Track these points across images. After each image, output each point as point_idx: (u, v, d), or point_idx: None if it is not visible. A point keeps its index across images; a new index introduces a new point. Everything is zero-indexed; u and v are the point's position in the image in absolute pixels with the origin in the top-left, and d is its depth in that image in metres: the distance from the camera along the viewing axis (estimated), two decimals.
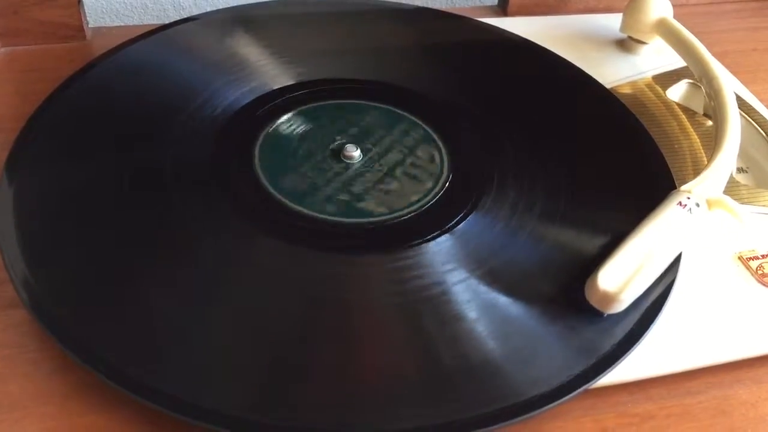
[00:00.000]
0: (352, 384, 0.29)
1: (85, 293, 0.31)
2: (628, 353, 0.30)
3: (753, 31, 0.57)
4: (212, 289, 0.31)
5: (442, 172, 0.38)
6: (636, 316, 0.32)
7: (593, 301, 0.31)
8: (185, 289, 0.31)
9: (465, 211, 0.36)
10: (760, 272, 0.35)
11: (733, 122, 0.39)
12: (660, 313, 0.32)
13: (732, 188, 0.39)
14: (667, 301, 0.32)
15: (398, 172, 0.37)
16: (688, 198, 0.34)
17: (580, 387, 0.29)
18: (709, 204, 0.35)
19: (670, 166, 0.39)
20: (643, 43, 0.50)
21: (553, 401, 0.28)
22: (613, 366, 0.30)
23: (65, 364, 0.29)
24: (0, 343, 0.30)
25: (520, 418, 0.28)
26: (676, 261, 0.34)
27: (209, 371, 0.29)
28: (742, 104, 0.44)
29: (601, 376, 0.30)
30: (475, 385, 0.29)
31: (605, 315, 0.31)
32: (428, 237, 0.34)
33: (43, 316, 0.29)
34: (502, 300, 0.32)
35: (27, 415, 0.28)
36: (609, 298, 0.31)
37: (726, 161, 0.37)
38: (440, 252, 0.33)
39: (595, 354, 0.30)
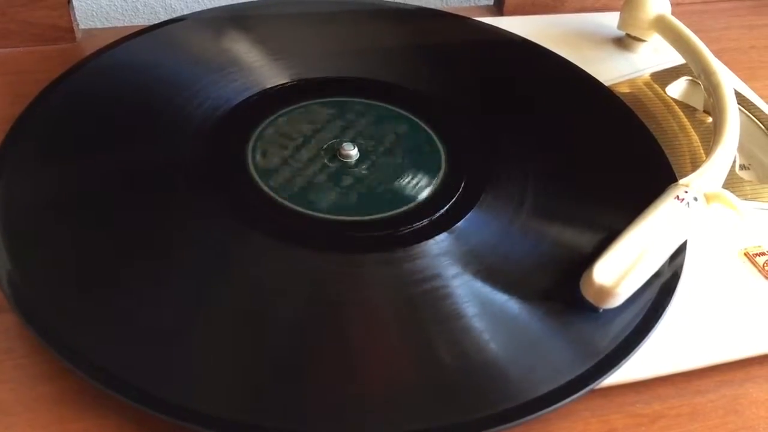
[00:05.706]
0: (352, 385, 0.28)
1: (75, 296, 0.30)
2: (633, 353, 0.30)
3: (750, 29, 0.56)
4: (207, 291, 0.31)
5: (440, 170, 0.37)
6: (641, 314, 0.31)
7: (589, 296, 0.31)
8: (179, 291, 0.30)
9: (464, 209, 0.35)
10: (767, 268, 0.34)
11: (732, 117, 0.39)
12: (665, 312, 0.31)
13: (735, 184, 0.39)
14: (671, 299, 0.32)
15: (396, 170, 0.37)
16: (686, 192, 0.34)
17: (584, 387, 0.28)
18: (708, 198, 0.34)
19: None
20: (641, 40, 0.49)
21: (555, 403, 0.28)
22: (617, 366, 0.29)
23: (55, 369, 0.29)
24: None
25: (523, 420, 0.27)
26: (680, 257, 0.33)
27: (204, 374, 0.28)
28: (742, 101, 0.44)
29: (605, 376, 0.29)
30: (477, 385, 0.28)
31: (601, 310, 0.31)
32: (428, 235, 0.33)
33: (33, 320, 0.28)
34: (503, 298, 0.31)
35: (16, 422, 0.27)
36: (605, 292, 0.30)
37: (725, 155, 0.37)
38: (439, 250, 0.33)
39: (598, 354, 0.30)
